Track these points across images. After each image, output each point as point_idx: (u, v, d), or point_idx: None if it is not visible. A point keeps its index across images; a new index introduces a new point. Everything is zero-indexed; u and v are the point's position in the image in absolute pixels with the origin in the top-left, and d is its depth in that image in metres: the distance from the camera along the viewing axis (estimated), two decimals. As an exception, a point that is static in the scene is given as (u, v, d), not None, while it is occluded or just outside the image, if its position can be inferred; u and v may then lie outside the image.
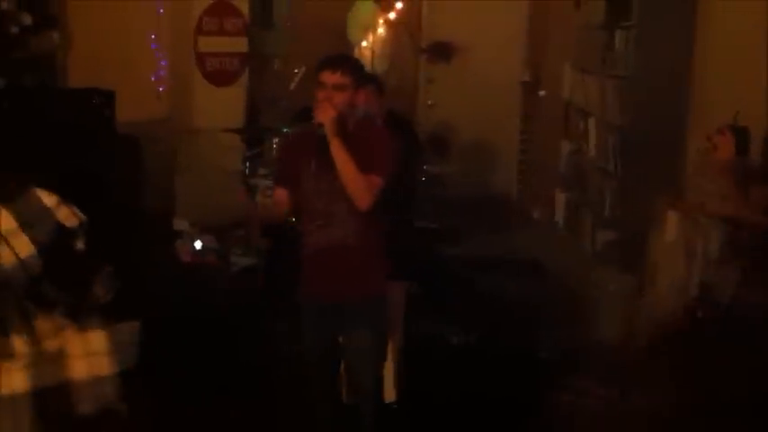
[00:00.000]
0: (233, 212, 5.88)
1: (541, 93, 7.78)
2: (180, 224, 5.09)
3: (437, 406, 3.99)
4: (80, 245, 0.83)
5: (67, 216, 0.83)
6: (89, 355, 0.84)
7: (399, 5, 7.71)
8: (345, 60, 3.17)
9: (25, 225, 0.83)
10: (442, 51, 8.03)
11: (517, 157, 8.07)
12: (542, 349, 4.67)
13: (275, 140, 5.96)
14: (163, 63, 6.32)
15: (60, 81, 5.56)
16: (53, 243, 0.82)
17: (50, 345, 0.81)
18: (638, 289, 5.09)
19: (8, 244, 0.83)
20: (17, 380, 0.80)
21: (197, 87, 6.64)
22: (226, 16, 6.71)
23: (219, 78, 6.73)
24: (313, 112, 3.04)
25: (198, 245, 5.12)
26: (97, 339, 0.84)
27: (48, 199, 0.83)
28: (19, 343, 0.80)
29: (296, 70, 6.63)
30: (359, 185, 2.97)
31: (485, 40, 7.84)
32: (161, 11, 6.18)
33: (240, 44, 6.86)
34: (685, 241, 4.75)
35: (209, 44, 6.66)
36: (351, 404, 3.32)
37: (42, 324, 0.80)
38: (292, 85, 6.52)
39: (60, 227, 0.83)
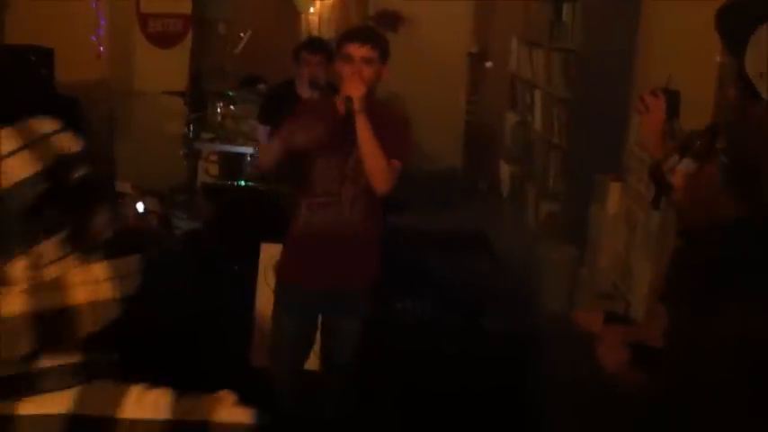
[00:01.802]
0: (175, 176, 5.79)
1: (488, 64, 7.79)
2: (122, 186, 4.97)
3: (385, 377, 3.98)
4: (80, 173, 0.81)
5: (68, 142, 0.80)
6: (90, 283, 0.82)
7: (347, -28, 7.62)
8: (374, 33, 3.00)
9: (27, 146, 0.81)
10: (389, 20, 7.96)
11: (463, 129, 8.08)
12: (486, 320, 4.70)
13: (219, 104, 5.87)
14: (102, 23, 6.14)
15: (-4, 38, 5.37)
16: (54, 168, 0.80)
17: (50, 272, 0.79)
18: (579, 261, 5.16)
19: (10, 163, 0.81)
20: (14, 304, 0.77)
21: (138, 48, 6.48)
22: (169, -24, 6.56)
23: (162, 40, 6.57)
24: (335, 87, 2.90)
25: (140, 207, 5.01)
26: (98, 269, 0.82)
27: (48, 125, 0.81)
28: (17, 267, 0.77)
29: (241, 34, 6.52)
30: (381, 166, 2.80)
31: (432, 10, 7.80)
32: (102, -32, 6.00)
33: (184, 6, 6.70)
34: (626, 214, 4.82)
35: (151, 5, 6.49)
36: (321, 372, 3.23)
37: (44, 249, 0.78)
38: (237, 50, 6.42)
39: (60, 154, 0.81)
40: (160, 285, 4.51)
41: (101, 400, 0.87)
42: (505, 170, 7.23)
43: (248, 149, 5.48)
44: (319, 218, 2.92)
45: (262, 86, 6.40)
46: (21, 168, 0.82)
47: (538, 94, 6.38)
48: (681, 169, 2.54)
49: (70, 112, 4.74)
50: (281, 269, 3.10)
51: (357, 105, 2.76)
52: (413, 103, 7.95)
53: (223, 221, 4.80)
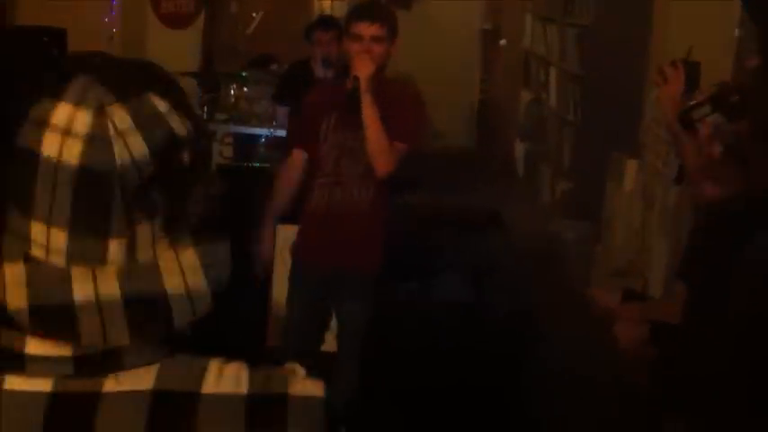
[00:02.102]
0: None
1: (502, 42, 7.73)
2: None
3: (395, 355, 3.98)
4: (186, 156, 0.81)
5: (178, 124, 0.80)
6: (182, 271, 0.82)
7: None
8: (382, 10, 2.94)
9: (140, 126, 0.80)
10: (401, -2, 7.92)
11: (477, 107, 8.04)
12: (500, 300, 4.69)
13: (232, 86, 5.85)
14: (114, 3, 6.13)
15: (8, 20, 5.36)
16: (163, 149, 0.80)
17: (145, 255, 0.78)
18: (595, 238, 5.14)
19: (123, 141, 0.81)
20: (108, 285, 0.77)
21: (151, 29, 6.46)
22: (181, -44, 6.53)
23: (174, 20, 6.55)
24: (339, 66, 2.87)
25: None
26: (190, 256, 0.82)
27: (161, 104, 0.80)
28: (115, 247, 0.77)
29: (253, 14, 6.49)
30: (383, 147, 2.78)
31: (445, -14, 7.75)
32: (113, -51, 5.98)
33: (196, -14, 6.68)
34: (643, 191, 4.79)
35: (163, -15, 6.48)
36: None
37: (141, 231, 0.77)
38: (249, 30, 6.39)
39: (171, 134, 0.80)
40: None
41: (183, 375, 0.87)
42: (520, 149, 7.20)
43: (263, 131, 5.47)
44: (327, 197, 2.92)
45: (274, 67, 6.37)
46: (133, 147, 0.81)
47: (552, 72, 6.33)
48: (710, 121, 2.49)
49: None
50: (295, 249, 3.12)
51: (364, 85, 2.74)
52: (426, 81, 7.92)
53: (238, 203, 4.79)
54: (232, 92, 5.85)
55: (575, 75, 5.77)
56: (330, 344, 3.22)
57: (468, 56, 7.96)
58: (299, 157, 3.03)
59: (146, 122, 0.84)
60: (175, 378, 0.85)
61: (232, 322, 3.93)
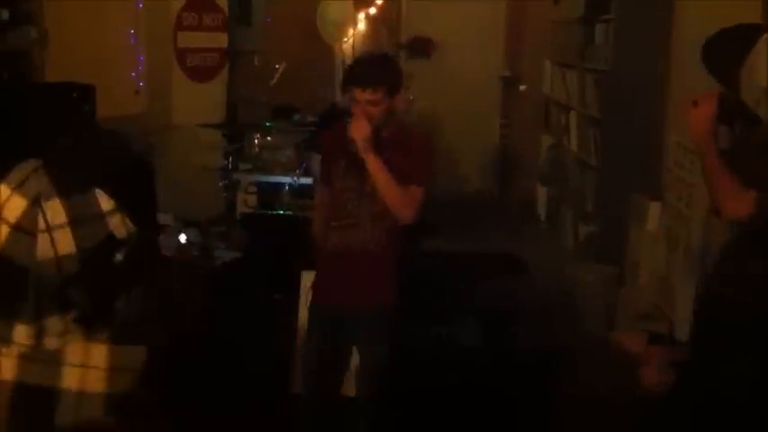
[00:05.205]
0: (214, 207, 5.86)
1: (522, 87, 7.80)
2: (163, 218, 5.05)
3: (420, 402, 3.97)
4: (120, 257, 0.79)
5: (118, 225, 0.79)
6: (86, 366, 0.79)
7: (379, 1, 7.69)
8: (376, 74, 2.93)
9: (75, 223, 0.78)
10: (421, 47, 8.02)
11: (498, 152, 8.09)
12: (523, 343, 4.68)
13: (256, 136, 5.95)
14: (141, 59, 6.27)
15: (37, 77, 5.50)
16: (96, 249, 0.78)
17: (51, 344, 0.77)
18: (618, 281, 5.12)
19: (51, 237, 0.79)
20: (6, 368, 0.76)
21: (176, 83, 6.60)
22: (205, 11, 6.69)
23: (199, 74, 6.70)
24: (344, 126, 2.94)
25: (182, 239, 5.09)
26: (99, 354, 0.79)
27: (105, 203, 0.79)
28: (21, 332, 0.76)
29: (276, 66, 6.60)
30: (398, 200, 2.88)
31: (464, 35, 7.85)
32: (140, 6, 6.13)
33: (220, 39, 6.83)
34: (667, 233, 4.78)
35: (188, 40, 6.62)
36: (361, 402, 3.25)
37: (52, 322, 0.76)
38: (273, 81, 6.49)
39: (108, 234, 0.78)
40: (204, 316, 4.55)
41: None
42: (541, 193, 7.21)
43: (286, 179, 5.55)
44: (342, 239, 2.99)
45: (297, 116, 6.47)
46: (59, 244, 0.79)
47: (572, 116, 6.37)
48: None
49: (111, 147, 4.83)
50: (312, 291, 3.20)
51: (361, 146, 2.83)
52: (448, 127, 7.99)
53: (263, 251, 4.84)
54: (256, 142, 5.94)
55: (594, 119, 5.80)
56: (349, 387, 3.25)
57: (488, 102, 8.03)
58: (323, 192, 3.14)
59: (81, 221, 0.81)
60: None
61: (257, 369, 3.96)
